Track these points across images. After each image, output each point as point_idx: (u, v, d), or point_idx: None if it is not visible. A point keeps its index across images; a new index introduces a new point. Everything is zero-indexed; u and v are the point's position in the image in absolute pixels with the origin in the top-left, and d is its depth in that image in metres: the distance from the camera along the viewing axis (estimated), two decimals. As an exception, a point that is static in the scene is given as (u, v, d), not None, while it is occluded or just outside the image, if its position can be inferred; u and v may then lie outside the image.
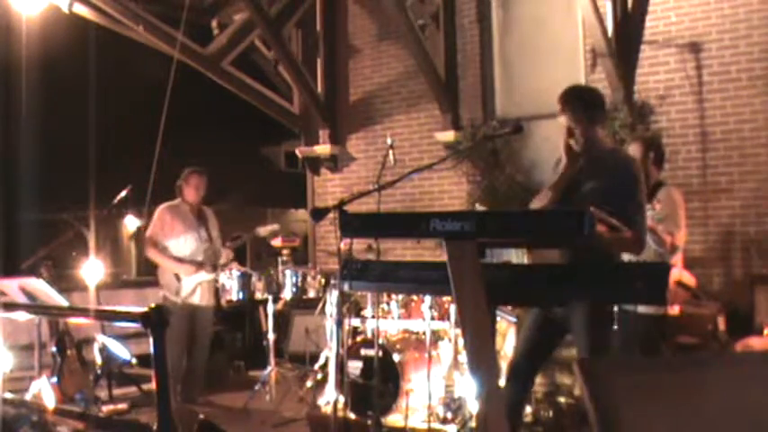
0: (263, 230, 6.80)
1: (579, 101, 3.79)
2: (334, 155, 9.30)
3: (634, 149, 4.97)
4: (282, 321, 7.85)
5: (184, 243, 6.35)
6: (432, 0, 8.53)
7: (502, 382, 3.77)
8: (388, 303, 5.93)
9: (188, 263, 6.31)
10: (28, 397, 5.25)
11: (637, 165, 3.84)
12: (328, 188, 9.49)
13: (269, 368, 6.54)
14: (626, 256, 4.71)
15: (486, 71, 8.37)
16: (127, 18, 8.40)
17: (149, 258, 6.57)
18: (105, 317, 4.44)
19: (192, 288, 6.31)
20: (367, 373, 5.51)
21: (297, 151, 9.85)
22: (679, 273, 4.87)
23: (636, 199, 3.67)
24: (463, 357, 5.23)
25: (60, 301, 5.14)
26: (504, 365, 5.45)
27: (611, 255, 3.70)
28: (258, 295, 6.65)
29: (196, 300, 6.33)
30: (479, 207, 6.52)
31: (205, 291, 6.39)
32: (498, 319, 5.22)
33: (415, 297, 5.77)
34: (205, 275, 6.37)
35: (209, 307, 6.49)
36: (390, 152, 5.76)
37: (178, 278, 6.29)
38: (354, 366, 5.58)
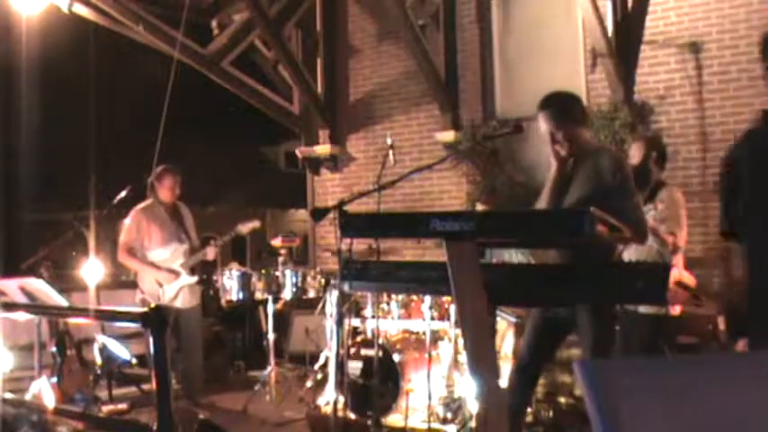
0: (243, 227, 6.55)
1: (556, 106, 3.81)
2: (334, 155, 9.30)
3: (636, 149, 4.97)
4: (282, 321, 7.85)
5: (163, 251, 6.15)
6: (432, 0, 8.54)
7: (502, 383, 3.78)
8: (388, 303, 5.93)
9: (165, 270, 6.12)
10: (28, 397, 5.25)
11: (626, 162, 3.86)
12: (328, 188, 9.49)
13: (269, 368, 6.54)
14: (626, 257, 4.72)
15: (486, 71, 8.37)
16: (127, 18, 8.40)
17: (123, 264, 6.43)
18: (105, 317, 4.44)
19: (175, 293, 6.14)
20: (367, 373, 5.51)
21: (297, 151, 9.85)
22: (679, 273, 4.87)
23: (632, 198, 3.70)
24: (463, 357, 5.23)
25: (60, 301, 5.14)
26: (503, 366, 5.47)
27: (610, 254, 3.71)
28: (258, 295, 6.64)
29: (179, 303, 6.15)
30: (480, 206, 6.52)
31: (187, 294, 6.20)
32: (498, 319, 5.23)
33: (415, 297, 5.78)
34: (187, 279, 6.19)
35: (194, 308, 6.30)
36: (390, 152, 5.76)
37: (159, 283, 6.12)
38: (354, 366, 5.58)
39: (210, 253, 6.30)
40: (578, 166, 3.77)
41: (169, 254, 6.16)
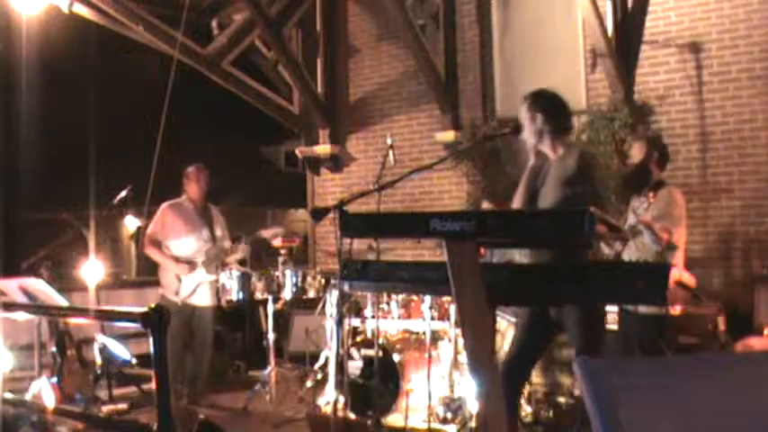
0: (266, 233, 6.70)
1: (534, 98, 4.05)
2: (334, 155, 9.30)
3: (638, 149, 4.97)
4: (282, 321, 7.84)
5: (185, 243, 6.27)
6: (432, 0, 8.53)
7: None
8: (388, 303, 5.93)
9: (184, 262, 6.23)
10: (28, 397, 5.25)
11: (592, 162, 3.98)
12: (328, 188, 9.49)
13: (269, 368, 6.54)
14: (626, 256, 4.72)
15: (486, 71, 8.37)
16: (127, 18, 8.40)
17: (147, 255, 6.55)
18: (105, 317, 4.44)
19: (193, 288, 6.24)
20: (367, 373, 5.51)
21: (297, 151, 9.85)
22: (679, 273, 4.87)
23: (597, 198, 3.77)
24: (463, 357, 5.23)
25: (60, 301, 5.14)
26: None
27: (587, 254, 3.73)
28: (258, 295, 6.64)
29: (196, 300, 6.26)
30: (486, 204, 6.49)
31: (206, 291, 6.31)
32: (498, 319, 5.23)
33: (415, 297, 5.78)
34: (206, 276, 6.30)
35: (210, 307, 6.39)
36: (390, 152, 5.76)
37: (179, 278, 6.22)
38: (354, 366, 5.58)
39: (241, 251, 6.44)
40: (552, 166, 3.85)
41: (191, 249, 6.28)
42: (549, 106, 3.94)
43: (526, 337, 3.84)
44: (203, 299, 6.31)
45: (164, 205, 6.43)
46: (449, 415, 5.27)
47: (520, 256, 4.90)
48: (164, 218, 6.34)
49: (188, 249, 6.28)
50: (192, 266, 6.23)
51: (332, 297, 5.99)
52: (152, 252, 6.36)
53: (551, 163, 3.91)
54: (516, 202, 3.95)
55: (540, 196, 3.88)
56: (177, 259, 6.25)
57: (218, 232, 6.46)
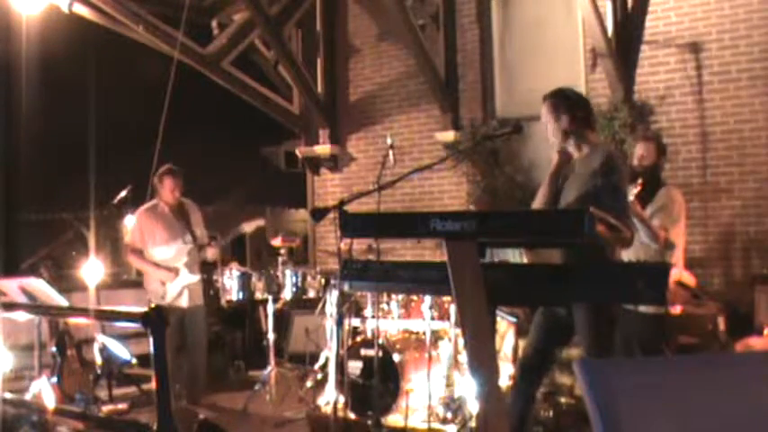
0: (248, 226, 6.50)
1: (559, 95, 3.93)
2: (334, 155, 9.30)
3: (647, 150, 4.95)
4: (282, 321, 7.84)
5: (167, 249, 6.14)
6: (432, 0, 8.54)
7: (501, 383, 3.78)
8: (388, 303, 5.93)
9: (165, 269, 6.09)
10: (28, 397, 5.25)
11: (620, 162, 3.94)
12: (328, 188, 9.49)
13: (269, 368, 6.54)
14: (625, 256, 4.72)
15: (486, 71, 8.37)
16: (127, 18, 8.40)
17: (130, 263, 6.45)
18: (105, 317, 4.45)
19: (179, 292, 6.11)
20: (367, 373, 5.51)
21: (297, 151, 9.86)
22: (679, 273, 4.87)
23: (622, 199, 3.75)
24: (463, 357, 5.23)
25: (60, 301, 5.14)
26: (504, 365, 5.47)
27: (610, 254, 3.72)
28: (258, 295, 6.63)
29: (183, 303, 6.12)
30: (472, 207, 6.50)
31: (192, 293, 6.17)
32: (498, 319, 5.22)
33: (415, 297, 5.77)
34: (190, 277, 6.17)
35: (199, 307, 6.27)
36: (390, 152, 5.76)
37: (163, 282, 6.11)
38: (354, 366, 5.58)
39: (210, 253, 6.31)
40: (576, 165, 3.84)
41: (173, 253, 6.14)
42: (573, 106, 3.92)
43: (543, 338, 3.84)
44: (190, 300, 6.17)
45: (139, 211, 6.27)
46: (449, 415, 5.27)
47: (514, 256, 4.90)
48: (140, 224, 6.19)
49: (170, 254, 6.14)
50: (176, 273, 6.13)
51: (332, 297, 5.98)
52: (133, 260, 6.27)
53: (575, 162, 3.89)
54: (538, 201, 3.92)
55: (563, 194, 3.86)
56: (159, 266, 6.11)
57: (198, 231, 6.30)
